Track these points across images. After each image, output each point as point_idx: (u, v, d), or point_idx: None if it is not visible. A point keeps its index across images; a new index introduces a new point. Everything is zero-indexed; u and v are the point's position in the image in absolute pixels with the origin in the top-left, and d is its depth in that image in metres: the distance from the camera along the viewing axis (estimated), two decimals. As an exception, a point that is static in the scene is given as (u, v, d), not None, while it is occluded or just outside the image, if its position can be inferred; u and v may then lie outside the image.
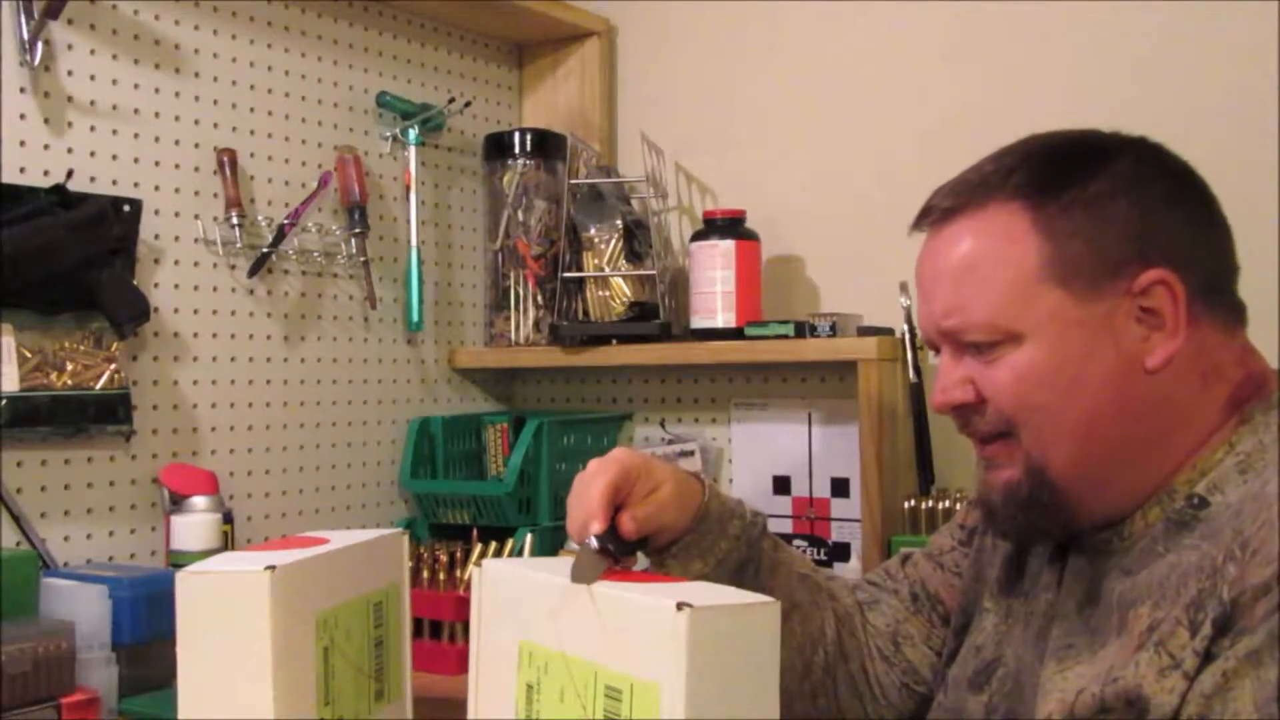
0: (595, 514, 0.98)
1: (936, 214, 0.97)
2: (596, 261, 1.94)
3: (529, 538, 1.76)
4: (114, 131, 1.58)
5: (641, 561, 1.09)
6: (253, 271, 1.72)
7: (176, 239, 1.64)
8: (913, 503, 1.65)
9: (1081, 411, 0.90)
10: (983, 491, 0.99)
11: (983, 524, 1.07)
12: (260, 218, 1.74)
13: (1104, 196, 0.91)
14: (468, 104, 2.04)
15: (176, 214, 1.64)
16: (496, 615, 0.98)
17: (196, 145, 1.67)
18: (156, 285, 1.62)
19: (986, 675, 1.01)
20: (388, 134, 1.94)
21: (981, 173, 0.96)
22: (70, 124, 1.53)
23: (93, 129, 1.56)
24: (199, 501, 1.56)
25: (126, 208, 1.56)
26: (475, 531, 1.79)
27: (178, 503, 1.56)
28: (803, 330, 1.75)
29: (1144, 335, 0.90)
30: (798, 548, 1.87)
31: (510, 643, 0.95)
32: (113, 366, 1.52)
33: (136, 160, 1.60)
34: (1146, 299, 0.90)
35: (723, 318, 1.83)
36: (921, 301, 0.99)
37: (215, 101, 1.70)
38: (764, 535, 1.14)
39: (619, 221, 1.94)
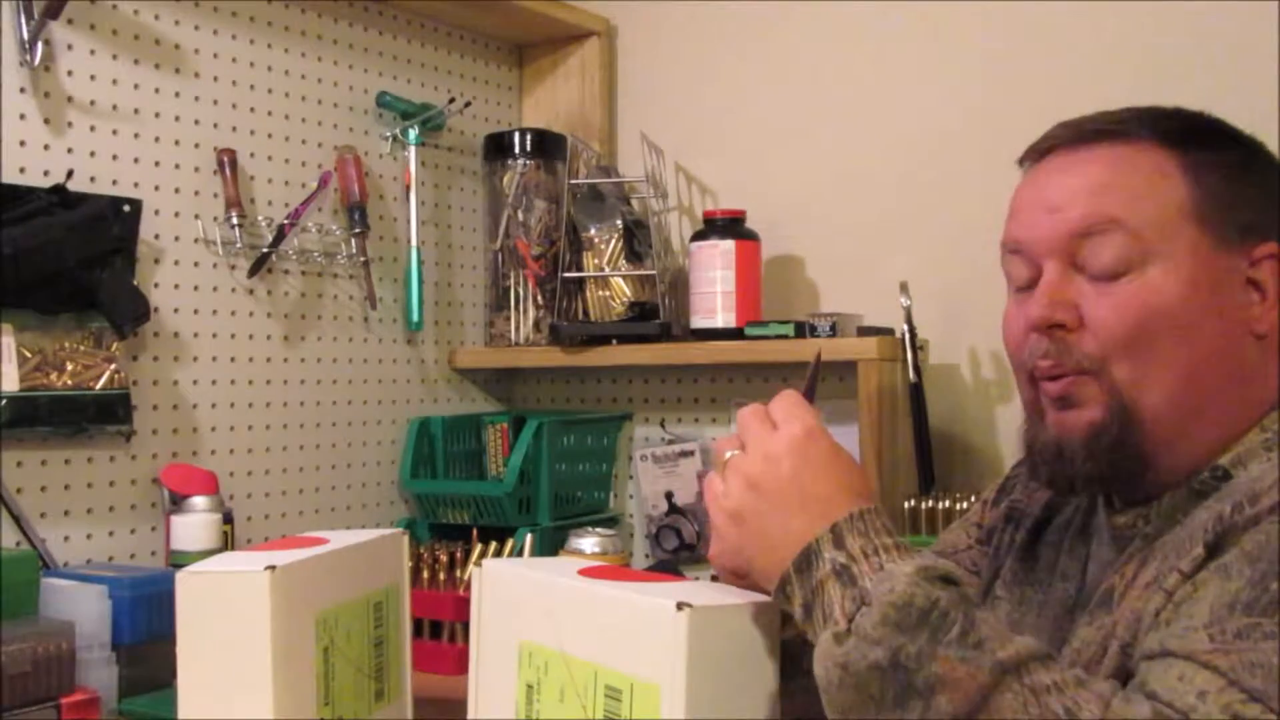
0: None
1: (1066, 139, 0.95)
2: (596, 261, 1.94)
3: (529, 538, 1.75)
4: (114, 131, 1.58)
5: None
6: (253, 271, 1.72)
7: (176, 239, 1.64)
8: (913, 503, 1.65)
9: (1192, 354, 0.89)
10: (1052, 435, 0.93)
11: (1038, 473, 0.99)
12: (260, 218, 1.74)
13: (1241, 164, 0.93)
14: (468, 104, 2.04)
15: (176, 214, 1.64)
16: (496, 615, 0.98)
17: (196, 145, 1.67)
18: (156, 285, 1.62)
19: None
20: (388, 134, 1.94)
21: (1118, 116, 0.95)
22: (70, 124, 1.53)
23: (93, 129, 1.56)
24: (199, 501, 1.56)
25: (126, 208, 1.56)
26: (475, 531, 1.79)
27: (178, 503, 1.56)
28: (803, 330, 1.75)
29: (1248, 302, 0.91)
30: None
31: (510, 643, 0.95)
32: (113, 366, 1.52)
33: (136, 160, 1.60)
34: (1256, 270, 0.91)
35: (723, 318, 1.83)
36: (1039, 214, 0.93)
37: (215, 101, 1.70)
38: None
39: (619, 221, 1.94)
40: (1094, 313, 0.90)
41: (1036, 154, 0.97)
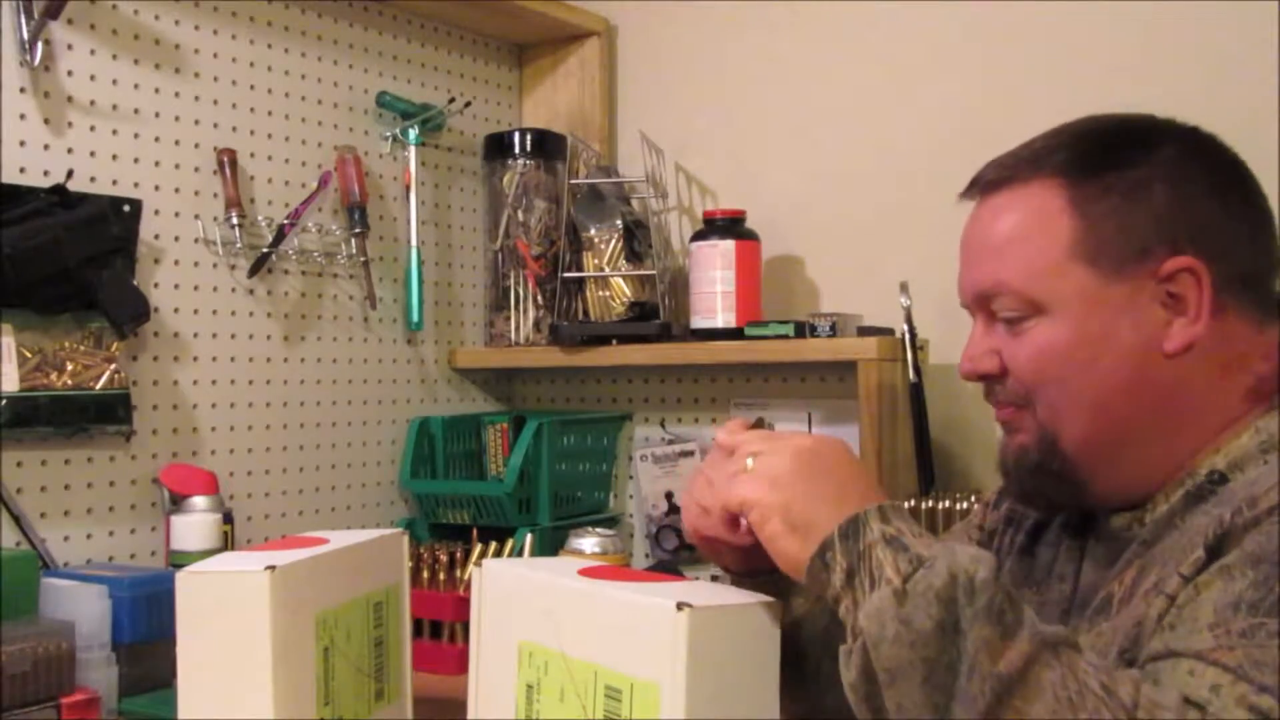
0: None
1: (984, 185, 0.99)
2: (596, 261, 1.94)
3: (529, 538, 1.75)
4: (114, 131, 1.58)
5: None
6: (253, 271, 1.72)
7: (176, 239, 1.64)
8: (912, 503, 1.65)
9: (1096, 388, 0.92)
10: (1000, 455, 1.02)
11: (1002, 495, 1.10)
12: (260, 218, 1.74)
13: (1142, 182, 0.93)
14: (468, 104, 2.04)
15: (176, 214, 1.64)
16: (496, 615, 0.98)
17: (196, 145, 1.67)
18: (156, 285, 1.62)
19: None
20: (388, 134, 1.94)
21: (1032, 149, 0.98)
22: (70, 124, 1.53)
23: (93, 129, 1.56)
24: (199, 501, 1.56)
25: (126, 208, 1.56)
26: (475, 531, 1.79)
27: (178, 503, 1.56)
28: (803, 330, 1.75)
29: (1166, 320, 0.91)
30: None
31: (510, 643, 0.95)
32: (113, 366, 1.52)
33: (136, 160, 1.60)
34: (1173, 285, 0.91)
35: (723, 318, 1.83)
36: (963, 268, 1.01)
37: (215, 101, 1.70)
38: None
39: (619, 221, 1.94)
40: (1009, 359, 0.97)
41: (969, 193, 1.02)
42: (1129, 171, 0.93)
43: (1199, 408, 0.92)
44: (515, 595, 0.97)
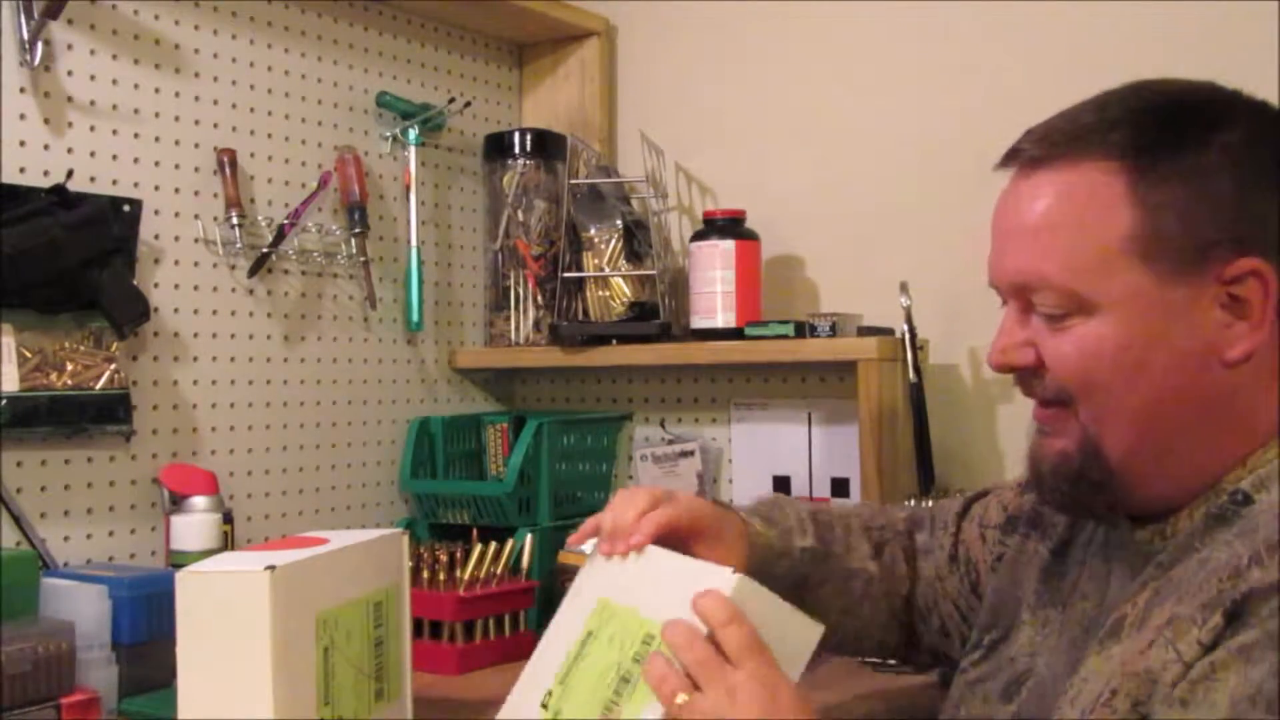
0: (641, 532, 1.02)
1: (1025, 158, 0.91)
2: (596, 261, 1.94)
3: (529, 538, 1.75)
4: (114, 131, 1.58)
5: None
6: (253, 271, 1.72)
7: (176, 239, 1.64)
8: (912, 503, 1.65)
9: (1144, 396, 0.86)
10: (1034, 457, 0.94)
11: (1029, 488, 1.04)
12: (260, 218, 1.74)
13: (1208, 170, 0.84)
14: (468, 104, 2.04)
15: (176, 214, 1.64)
16: (592, 575, 1.05)
17: (196, 145, 1.67)
18: (156, 285, 1.62)
19: (1017, 686, 0.99)
20: (388, 134, 1.94)
21: (1081, 122, 0.89)
22: (70, 124, 1.53)
23: (93, 129, 1.56)
24: (199, 501, 1.56)
25: (126, 208, 1.56)
26: (475, 531, 1.79)
27: (178, 503, 1.56)
28: (803, 330, 1.75)
29: (1226, 323, 0.85)
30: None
31: (592, 596, 1.03)
32: (113, 366, 1.52)
33: (136, 160, 1.60)
34: (1236, 286, 0.84)
35: (723, 318, 1.83)
36: (995, 251, 0.93)
37: (215, 101, 1.70)
38: (812, 563, 1.16)
39: (619, 221, 1.94)
40: (1047, 354, 0.90)
41: (1006, 165, 0.94)
42: (1192, 157, 0.85)
43: (1248, 416, 0.87)
44: (607, 561, 1.04)
